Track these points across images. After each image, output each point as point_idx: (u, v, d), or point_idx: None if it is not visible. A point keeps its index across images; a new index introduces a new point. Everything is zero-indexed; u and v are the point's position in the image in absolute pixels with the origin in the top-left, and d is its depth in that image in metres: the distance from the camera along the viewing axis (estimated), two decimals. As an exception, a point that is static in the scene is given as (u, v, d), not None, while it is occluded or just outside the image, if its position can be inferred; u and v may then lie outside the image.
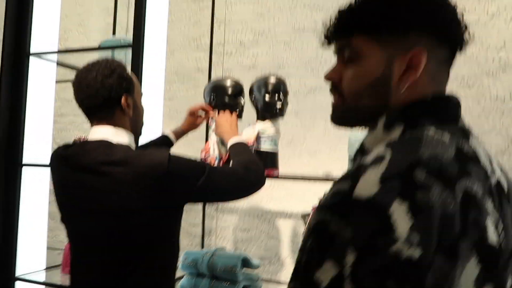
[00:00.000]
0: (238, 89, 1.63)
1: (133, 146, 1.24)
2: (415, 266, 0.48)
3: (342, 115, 0.70)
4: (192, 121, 1.66)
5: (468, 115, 1.67)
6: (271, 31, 2.14)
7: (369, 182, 0.51)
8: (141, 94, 1.30)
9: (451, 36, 0.63)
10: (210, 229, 2.19)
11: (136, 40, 1.67)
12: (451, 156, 0.55)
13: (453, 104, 0.64)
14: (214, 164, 1.61)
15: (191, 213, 2.23)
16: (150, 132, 1.67)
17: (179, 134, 1.65)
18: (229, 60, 2.22)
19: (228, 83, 1.64)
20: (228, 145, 1.43)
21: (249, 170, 1.29)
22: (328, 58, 0.88)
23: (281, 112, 1.57)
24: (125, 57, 2.04)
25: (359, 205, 0.50)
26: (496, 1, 1.71)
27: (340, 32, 0.67)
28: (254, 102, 1.62)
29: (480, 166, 0.58)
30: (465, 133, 0.61)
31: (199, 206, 2.18)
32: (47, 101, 2.05)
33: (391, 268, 0.48)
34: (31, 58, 1.95)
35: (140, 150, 1.25)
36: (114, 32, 2.37)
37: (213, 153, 1.61)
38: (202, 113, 1.66)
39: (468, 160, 0.57)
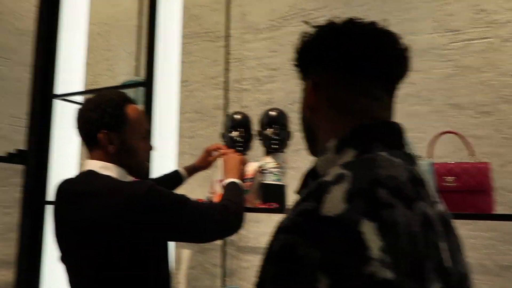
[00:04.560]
0: (236, 122, 1.64)
1: (123, 179, 1.23)
2: (390, 287, 0.46)
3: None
4: (205, 159, 1.68)
5: (488, 145, 1.59)
6: (285, 66, 2.16)
7: (335, 199, 0.50)
8: (140, 132, 1.27)
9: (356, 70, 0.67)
10: (231, 270, 2.15)
11: (149, 78, 1.73)
12: (405, 178, 0.56)
13: (397, 130, 0.66)
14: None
15: (212, 253, 2.21)
16: (164, 170, 1.70)
17: (191, 170, 1.68)
18: (246, 97, 2.25)
19: (229, 117, 1.67)
20: (224, 184, 1.43)
21: (228, 211, 1.27)
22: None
23: (280, 145, 1.55)
24: (142, 96, 2.13)
25: (328, 223, 0.48)
26: (508, 25, 1.65)
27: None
28: (259, 137, 1.63)
29: (428, 192, 0.58)
30: (412, 159, 0.62)
31: (220, 245, 2.17)
32: (72, 142, 2.15)
33: None
34: (57, 100, 2.06)
35: (124, 181, 1.22)
36: (137, 74, 2.48)
37: (218, 191, 1.62)
38: (216, 153, 1.69)
39: (419, 185, 0.57)
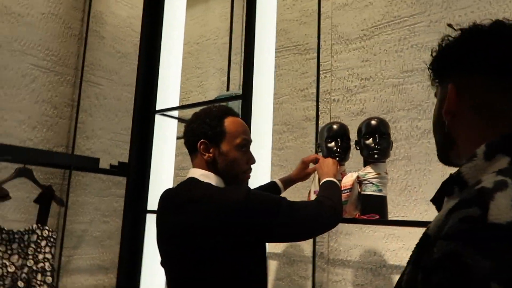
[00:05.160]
0: (333, 132, 1.61)
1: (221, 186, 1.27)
2: None
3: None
4: (302, 170, 1.68)
5: None
6: (378, 75, 2.10)
7: (502, 207, 0.48)
8: (239, 144, 1.30)
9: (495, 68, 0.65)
10: (321, 283, 2.11)
11: (246, 92, 1.78)
12: None
13: None
14: None
15: (301, 265, 2.19)
16: (259, 181, 1.72)
17: (288, 182, 1.68)
18: (336, 108, 2.22)
19: (325, 127, 1.65)
20: (320, 183, 1.44)
21: (323, 205, 1.30)
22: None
23: (381, 155, 1.50)
24: (239, 110, 2.19)
25: (499, 231, 0.46)
26: None
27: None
28: (357, 147, 1.59)
29: None
30: None
31: (309, 257, 2.13)
32: (169, 155, 2.26)
33: None
34: (157, 115, 2.19)
35: (223, 187, 1.26)
36: (227, 89, 2.56)
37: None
38: (313, 164, 1.68)
39: None
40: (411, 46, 2.01)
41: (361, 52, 2.17)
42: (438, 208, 0.69)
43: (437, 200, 0.69)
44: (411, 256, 0.61)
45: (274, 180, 1.66)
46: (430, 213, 1.79)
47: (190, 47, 3.01)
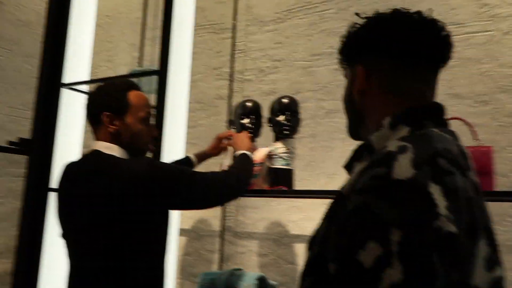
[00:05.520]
0: (247, 109, 1.68)
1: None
2: (454, 240, 0.53)
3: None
4: (216, 146, 1.72)
5: (485, 132, 1.66)
6: (289, 57, 2.21)
7: (404, 166, 0.56)
8: (142, 117, 1.32)
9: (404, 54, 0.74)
10: (228, 255, 2.19)
11: (163, 67, 1.76)
12: (456, 151, 0.64)
13: (443, 111, 0.74)
14: None
15: (209, 239, 2.25)
16: (173, 158, 1.73)
17: (202, 157, 1.71)
18: (248, 87, 2.29)
19: (239, 105, 1.71)
20: (235, 155, 1.52)
21: (230, 174, 1.36)
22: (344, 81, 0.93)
23: (291, 131, 1.60)
24: (149, 86, 2.16)
25: (401, 185, 0.55)
26: (509, 19, 1.73)
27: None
28: (269, 124, 1.67)
29: (470, 164, 0.67)
30: (456, 136, 0.71)
31: (217, 232, 2.20)
32: (77, 131, 2.16)
33: (435, 242, 0.51)
34: (64, 89, 2.07)
35: (126, 159, 1.28)
36: (140, 65, 2.50)
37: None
38: (226, 140, 1.73)
39: (465, 157, 0.66)
40: (320, 31, 2.13)
41: (274, 34, 2.26)
42: (349, 173, 0.77)
43: (348, 165, 0.78)
44: (325, 213, 0.68)
45: (188, 155, 1.69)
46: (331, 186, 1.95)
47: (100, 19, 2.87)
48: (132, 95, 1.32)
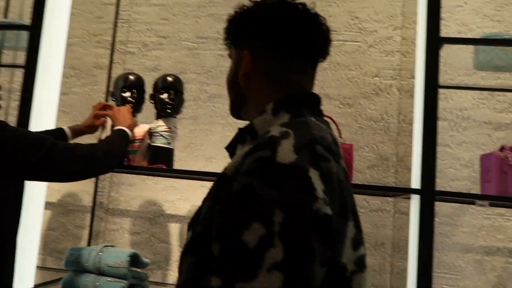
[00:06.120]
0: (129, 83, 1.64)
1: None
2: (330, 221, 0.57)
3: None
4: (92, 123, 1.62)
5: (348, 131, 1.90)
6: (175, 36, 2.19)
7: (286, 150, 0.59)
8: None
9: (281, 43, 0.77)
10: (98, 232, 2.12)
11: (36, 24, 1.59)
12: (330, 139, 0.69)
13: (318, 101, 0.79)
14: None
15: (78, 214, 2.15)
16: (42, 126, 1.60)
17: (77, 132, 1.61)
18: (131, 60, 2.21)
19: (122, 77, 1.66)
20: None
21: (98, 149, 1.32)
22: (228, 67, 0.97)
23: (174, 110, 1.62)
24: (15, 41, 1.93)
25: (284, 168, 0.57)
26: (374, 34, 1.99)
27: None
28: (152, 101, 1.66)
29: (340, 152, 0.73)
30: (328, 125, 0.77)
31: (88, 207, 2.11)
32: None
33: (314, 222, 0.55)
34: None
35: None
36: (5, 16, 2.21)
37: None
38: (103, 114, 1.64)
39: (337, 145, 0.72)
40: (208, 14, 2.16)
41: (161, 9, 2.21)
42: (231, 155, 0.80)
43: (230, 148, 0.80)
44: (208, 193, 0.69)
45: (63, 127, 1.57)
46: (208, 169, 2.02)
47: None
48: None
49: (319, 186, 0.58)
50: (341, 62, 1.98)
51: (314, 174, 0.58)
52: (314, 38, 0.78)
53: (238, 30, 0.82)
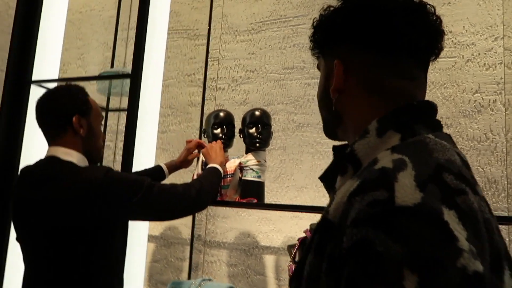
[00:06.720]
0: (219, 119, 1.70)
1: (82, 165, 1.29)
2: (482, 281, 0.41)
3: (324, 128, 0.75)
4: (185, 158, 1.72)
5: (447, 153, 1.76)
6: (262, 69, 2.25)
7: (407, 188, 0.45)
8: (100, 119, 1.38)
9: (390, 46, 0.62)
10: (197, 264, 2.20)
11: (136, 71, 1.74)
12: (459, 161, 0.53)
13: (435, 111, 0.63)
14: None
15: (178, 247, 2.25)
16: (143, 163, 1.73)
17: (173, 168, 1.71)
18: (221, 96, 2.31)
19: (212, 114, 1.73)
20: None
21: (191, 188, 1.35)
22: (315, 95, 0.95)
23: (262, 144, 1.63)
24: (121, 88, 2.13)
25: (409, 214, 0.43)
26: (471, 47, 1.84)
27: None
28: (241, 135, 1.70)
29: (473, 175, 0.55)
30: (452, 141, 0.59)
31: (187, 240, 2.21)
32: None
33: (461, 286, 0.40)
34: (32, 86, 2.02)
35: (83, 166, 1.29)
36: (112, 66, 2.47)
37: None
38: (196, 151, 1.74)
39: (469, 169, 0.55)
40: (293, 45, 2.18)
41: (248, 44, 2.29)
42: (327, 186, 0.68)
43: (326, 178, 0.67)
44: (310, 243, 0.57)
45: (160, 164, 1.69)
46: (299, 199, 2.00)
47: (72, 15, 2.81)
48: (90, 99, 1.36)
49: (460, 232, 0.43)
50: (435, 81, 1.85)
51: (450, 217, 0.43)
52: (422, 33, 0.62)
53: (324, 35, 0.69)
